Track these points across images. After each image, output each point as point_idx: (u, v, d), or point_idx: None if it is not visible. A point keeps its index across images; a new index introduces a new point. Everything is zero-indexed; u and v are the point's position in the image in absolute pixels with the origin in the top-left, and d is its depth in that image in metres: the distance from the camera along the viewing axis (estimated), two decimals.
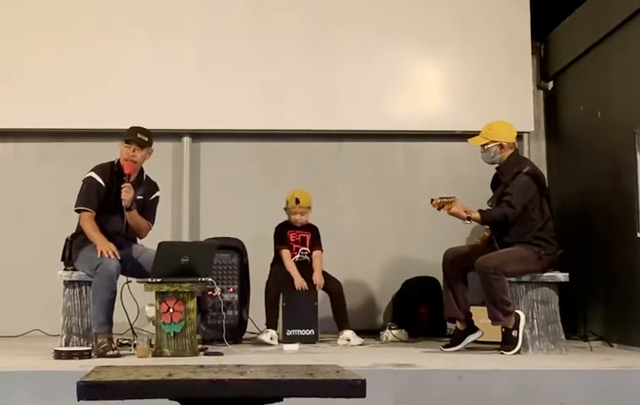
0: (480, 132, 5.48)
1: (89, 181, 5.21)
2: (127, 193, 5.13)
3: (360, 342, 5.77)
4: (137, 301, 5.26)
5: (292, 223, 6.04)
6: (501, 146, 5.37)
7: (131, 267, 5.22)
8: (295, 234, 6.04)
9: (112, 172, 5.26)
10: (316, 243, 6.08)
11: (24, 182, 6.83)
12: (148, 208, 5.35)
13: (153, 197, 5.40)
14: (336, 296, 5.93)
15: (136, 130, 5.27)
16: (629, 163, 5.41)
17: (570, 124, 6.81)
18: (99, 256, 4.96)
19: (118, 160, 5.29)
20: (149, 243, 5.26)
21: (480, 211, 5.30)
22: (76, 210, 5.20)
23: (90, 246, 5.09)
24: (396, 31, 6.96)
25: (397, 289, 6.77)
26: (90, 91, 6.68)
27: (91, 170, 5.25)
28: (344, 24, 6.94)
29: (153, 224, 5.39)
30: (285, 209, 6.08)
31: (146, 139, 5.25)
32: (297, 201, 6.02)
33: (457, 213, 5.24)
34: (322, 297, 6.00)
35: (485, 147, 5.39)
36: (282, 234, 6.03)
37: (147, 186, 5.38)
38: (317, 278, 5.90)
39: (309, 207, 6.06)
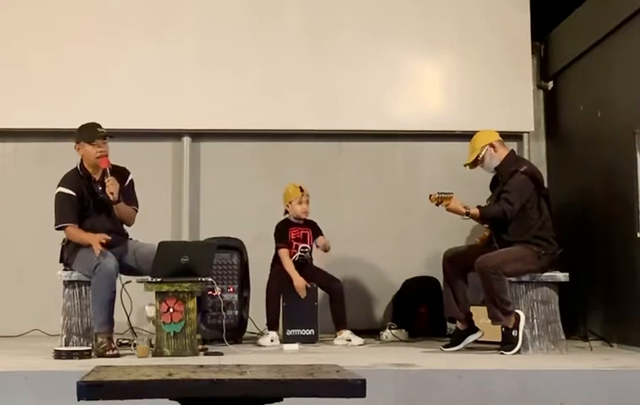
0: (476, 134, 5.54)
1: (59, 197, 5.19)
2: (113, 186, 5.11)
3: (360, 342, 5.77)
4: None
5: (296, 218, 6.02)
6: (492, 146, 5.40)
7: (127, 265, 5.22)
8: (296, 231, 6.03)
9: (78, 178, 5.24)
10: (317, 235, 6.08)
11: (24, 182, 6.83)
12: (127, 194, 5.31)
13: (127, 182, 5.35)
14: (336, 296, 5.93)
15: (92, 126, 5.24)
16: (629, 163, 5.41)
17: (570, 124, 6.81)
18: (96, 254, 4.94)
19: (81, 164, 5.26)
20: (149, 241, 5.24)
21: (479, 207, 5.31)
22: (57, 229, 5.19)
23: (86, 247, 5.08)
24: (396, 31, 6.96)
25: (397, 289, 6.77)
26: (90, 91, 6.68)
27: (58, 186, 5.21)
28: (344, 24, 6.94)
29: (137, 207, 5.38)
30: (287, 207, 6.06)
31: (105, 130, 5.23)
32: (301, 189, 6.03)
33: (455, 208, 5.25)
34: (322, 297, 6.00)
35: (481, 156, 5.41)
36: (283, 231, 6.01)
37: (118, 175, 5.28)
38: (322, 240, 5.96)
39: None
